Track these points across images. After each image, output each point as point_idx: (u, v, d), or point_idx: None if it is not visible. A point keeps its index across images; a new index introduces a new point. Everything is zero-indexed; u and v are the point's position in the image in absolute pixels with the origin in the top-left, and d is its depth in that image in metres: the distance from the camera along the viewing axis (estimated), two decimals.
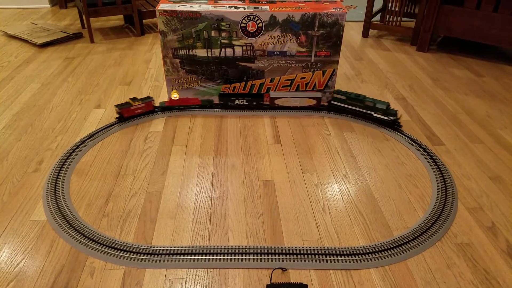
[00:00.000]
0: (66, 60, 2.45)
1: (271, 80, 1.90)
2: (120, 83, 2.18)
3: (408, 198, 1.39)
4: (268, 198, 1.38)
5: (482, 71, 2.38)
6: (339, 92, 1.83)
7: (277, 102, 1.79)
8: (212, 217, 1.30)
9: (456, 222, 1.29)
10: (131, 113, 1.81)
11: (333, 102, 1.88)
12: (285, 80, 1.90)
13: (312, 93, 1.86)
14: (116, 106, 1.77)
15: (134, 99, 1.77)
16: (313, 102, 1.82)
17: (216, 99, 1.96)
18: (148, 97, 1.86)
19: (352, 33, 3.03)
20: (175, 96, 1.80)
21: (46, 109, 1.91)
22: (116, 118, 1.82)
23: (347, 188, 1.44)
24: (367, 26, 2.90)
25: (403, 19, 2.83)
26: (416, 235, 1.23)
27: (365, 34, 2.93)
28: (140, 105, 1.82)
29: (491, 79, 2.29)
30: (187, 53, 1.83)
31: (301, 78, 1.90)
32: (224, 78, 1.89)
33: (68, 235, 1.22)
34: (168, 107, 1.88)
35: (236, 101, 1.82)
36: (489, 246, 1.20)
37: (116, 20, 3.25)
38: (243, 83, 1.91)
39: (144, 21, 3.22)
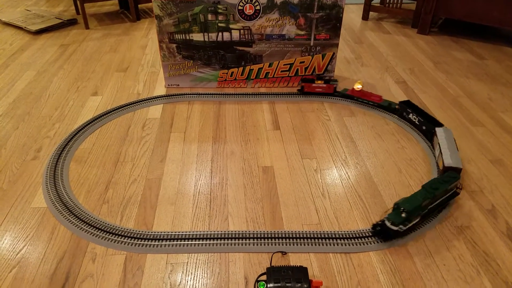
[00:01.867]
0: (62, 47, 2.42)
1: (270, 65, 1.88)
2: (117, 69, 2.15)
3: (408, 182, 1.39)
4: (268, 184, 1.38)
5: (484, 54, 2.36)
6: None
7: None
8: (212, 203, 1.30)
9: (456, 205, 1.29)
10: (312, 89, 1.85)
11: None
12: (284, 65, 1.88)
13: None
14: (302, 79, 1.84)
15: (319, 77, 1.79)
16: None
17: (213, 84, 1.94)
18: (333, 80, 1.87)
19: (352, 15, 2.99)
20: (358, 86, 1.78)
21: (42, 96, 1.90)
22: (298, 90, 1.90)
23: (347, 173, 1.43)
24: (367, 8, 2.85)
25: (404, 1, 2.78)
26: None
27: (365, 16, 2.89)
28: (322, 85, 1.84)
29: (493, 61, 2.26)
30: (184, 37, 1.80)
31: (300, 63, 1.88)
32: (222, 63, 1.87)
33: (69, 221, 1.22)
34: (348, 96, 1.86)
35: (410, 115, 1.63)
36: (489, 228, 1.21)
37: (111, 5, 3.21)
38: (241, 68, 1.89)
39: (139, 6, 3.17)
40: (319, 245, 1.15)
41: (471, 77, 2.09)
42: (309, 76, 1.91)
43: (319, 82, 1.83)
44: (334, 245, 1.15)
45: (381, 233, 1.16)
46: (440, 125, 1.54)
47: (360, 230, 1.19)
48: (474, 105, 1.85)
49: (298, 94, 1.90)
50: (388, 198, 1.32)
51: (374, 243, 1.15)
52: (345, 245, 1.15)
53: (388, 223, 1.13)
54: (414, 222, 1.15)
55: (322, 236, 1.17)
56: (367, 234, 1.18)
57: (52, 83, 2.01)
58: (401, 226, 1.13)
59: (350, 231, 1.19)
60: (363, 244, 1.15)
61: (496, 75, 2.12)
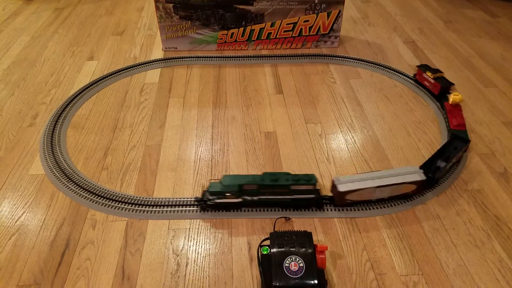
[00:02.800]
0: (56, 11, 2.32)
1: (272, 25, 1.79)
2: (113, 33, 2.07)
3: (416, 145, 1.34)
4: (270, 150, 1.33)
5: (498, 12, 2.24)
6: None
7: (351, 197, 1.10)
8: (213, 169, 1.26)
9: (466, 169, 1.25)
10: (421, 80, 1.60)
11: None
12: (287, 24, 1.79)
13: (407, 176, 1.11)
14: (419, 66, 1.60)
15: (427, 68, 1.58)
16: (412, 188, 1.12)
17: (213, 47, 1.86)
18: (446, 81, 1.54)
19: None
20: (455, 100, 1.42)
21: (37, 62, 1.83)
22: (413, 74, 1.66)
23: (353, 137, 1.38)
24: None
25: None
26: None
27: None
28: (430, 80, 1.55)
29: (507, 20, 2.15)
30: None
31: (304, 21, 1.78)
32: (221, 23, 1.78)
33: (68, 188, 1.19)
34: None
35: None
36: (500, 192, 1.17)
37: None
38: (241, 29, 1.80)
39: None
40: (323, 210, 1.12)
41: (484, 36, 1.99)
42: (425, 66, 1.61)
43: (429, 74, 1.55)
44: (339, 210, 1.12)
45: (200, 200, 1.11)
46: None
47: None
48: (486, 65, 1.77)
49: (302, 56, 1.82)
50: (396, 163, 1.28)
51: (380, 207, 1.12)
52: (351, 210, 1.12)
53: (206, 192, 1.10)
54: (231, 200, 1.09)
55: (327, 201, 1.14)
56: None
57: (47, 48, 1.94)
58: (211, 197, 1.09)
59: None
60: (370, 209, 1.12)
61: (510, 34, 2.01)
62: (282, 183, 1.06)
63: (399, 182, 1.08)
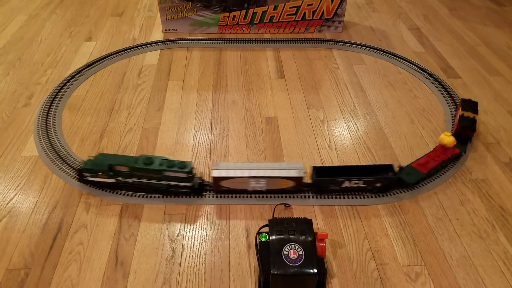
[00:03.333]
0: None
1: (275, 8, 1.74)
2: (112, 14, 2.01)
3: (420, 133, 1.31)
4: (271, 135, 1.30)
5: (504, 0, 2.18)
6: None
7: (226, 184, 1.07)
8: (212, 154, 1.23)
9: (471, 158, 1.22)
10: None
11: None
12: (290, 8, 1.74)
13: (286, 171, 1.05)
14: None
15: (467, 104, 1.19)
16: (290, 184, 1.06)
17: (214, 29, 1.81)
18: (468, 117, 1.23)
19: None
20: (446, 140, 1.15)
21: (34, 42, 1.79)
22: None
23: (355, 124, 1.35)
24: None
25: None
26: None
27: None
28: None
29: None
30: None
31: (308, 5, 1.73)
32: (223, 5, 1.73)
33: (62, 170, 1.16)
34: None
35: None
36: (505, 182, 1.14)
37: None
38: (243, 12, 1.75)
39: None
40: (324, 197, 1.09)
41: (489, 24, 1.95)
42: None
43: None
44: (340, 197, 1.09)
45: (78, 173, 1.09)
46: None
47: None
48: (492, 53, 1.73)
49: (304, 40, 1.77)
50: (399, 150, 1.24)
51: (382, 196, 1.09)
52: (352, 197, 1.09)
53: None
54: (104, 180, 1.07)
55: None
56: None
57: (44, 28, 1.89)
58: (85, 174, 1.06)
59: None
60: (371, 197, 1.09)
61: None
62: (155, 168, 1.03)
63: (275, 176, 1.04)
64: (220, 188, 1.08)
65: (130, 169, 1.04)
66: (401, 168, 1.11)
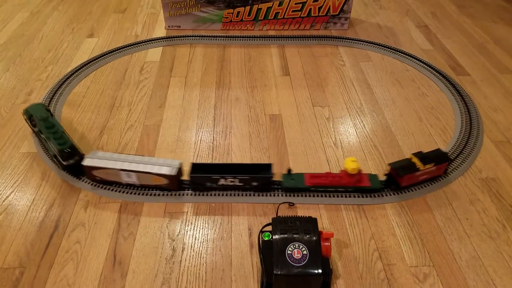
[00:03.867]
0: None
1: (280, 4, 1.71)
2: (114, 10, 1.99)
3: (428, 131, 1.27)
4: (275, 133, 1.27)
5: None
6: None
7: (98, 174, 1.05)
8: (214, 151, 1.20)
9: (481, 156, 1.18)
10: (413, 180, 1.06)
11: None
12: (296, 4, 1.71)
13: (159, 167, 1.02)
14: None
15: (419, 156, 1.04)
16: (163, 181, 1.03)
17: (217, 26, 1.79)
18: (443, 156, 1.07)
19: None
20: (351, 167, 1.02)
21: (35, 38, 1.77)
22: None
23: (362, 121, 1.32)
24: None
25: None
26: None
27: None
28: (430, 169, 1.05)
29: None
30: None
31: (314, 1, 1.70)
32: (227, 1, 1.70)
33: (60, 168, 1.13)
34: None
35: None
36: None
37: None
38: (248, 8, 1.72)
39: None
40: (329, 196, 1.05)
41: (499, 22, 1.91)
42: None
43: (428, 166, 1.03)
44: (346, 196, 1.05)
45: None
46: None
47: None
48: (501, 51, 1.69)
49: (310, 37, 1.74)
50: (406, 148, 1.21)
51: (389, 195, 1.06)
52: (358, 196, 1.05)
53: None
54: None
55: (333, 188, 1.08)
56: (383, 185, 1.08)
57: (46, 25, 1.87)
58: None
59: None
60: (378, 196, 1.05)
61: None
62: (41, 128, 1.13)
63: (146, 171, 1.01)
64: (94, 178, 1.06)
65: (36, 123, 1.15)
66: (289, 171, 1.07)
